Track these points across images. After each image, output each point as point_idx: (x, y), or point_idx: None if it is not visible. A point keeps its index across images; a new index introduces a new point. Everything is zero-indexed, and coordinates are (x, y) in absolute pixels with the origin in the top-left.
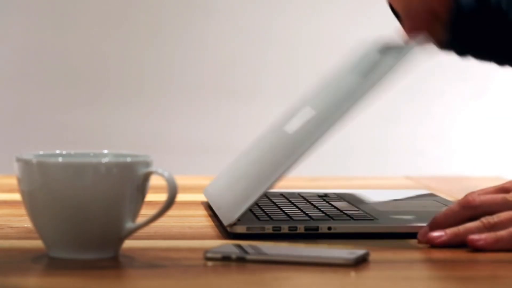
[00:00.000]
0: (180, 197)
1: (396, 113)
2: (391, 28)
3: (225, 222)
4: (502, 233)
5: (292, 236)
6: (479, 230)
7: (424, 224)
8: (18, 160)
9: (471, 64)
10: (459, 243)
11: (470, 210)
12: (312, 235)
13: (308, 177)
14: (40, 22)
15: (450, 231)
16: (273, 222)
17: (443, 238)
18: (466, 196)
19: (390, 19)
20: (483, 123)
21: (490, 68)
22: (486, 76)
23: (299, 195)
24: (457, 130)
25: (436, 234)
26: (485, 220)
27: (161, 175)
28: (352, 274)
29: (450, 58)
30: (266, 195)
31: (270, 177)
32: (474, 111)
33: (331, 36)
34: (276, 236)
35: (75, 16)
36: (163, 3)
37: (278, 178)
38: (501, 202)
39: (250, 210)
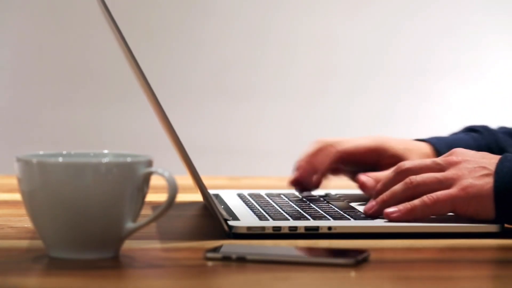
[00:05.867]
0: (180, 197)
1: (393, 112)
2: (386, 27)
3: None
4: (415, 202)
5: (292, 236)
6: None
7: (423, 224)
8: (18, 160)
9: (468, 64)
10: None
11: (412, 189)
12: (312, 235)
13: None
14: (40, 22)
15: (404, 208)
16: (273, 222)
17: (396, 214)
18: (407, 174)
19: (385, 18)
20: (480, 122)
21: (486, 67)
22: (485, 76)
23: (299, 195)
24: (452, 129)
25: (391, 210)
26: (426, 197)
27: (161, 175)
28: (352, 274)
29: (444, 58)
30: (266, 195)
31: None
32: (471, 110)
33: (326, 36)
34: (276, 236)
35: (75, 15)
36: (160, 3)
37: None
38: (439, 181)
39: (250, 210)
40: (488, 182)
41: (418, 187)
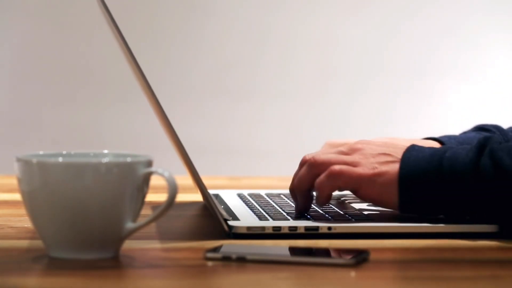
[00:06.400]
0: (180, 197)
1: (393, 112)
2: (386, 27)
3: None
4: (321, 177)
5: (292, 236)
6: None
7: (423, 224)
8: (18, 160)
9: (468, 64)
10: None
11: (317, 167)
12: (312, 235)
13: None
14: (40, 22)
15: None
16: (273, 222)
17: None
18: (310, 158)
19: (385, 19)
20: (479, 122)
21: (486, 67)
22: (485, 76)
23: None
24: (452, 129)
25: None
26: (332, 168)
27: (161, 175)
28: (352, 274)
29: (444, 58)
30: (266, 195)
31: None
32: (471, 109)
33: (326, 36)
34: (276, 236)
35: (75, 15)
36: (160, 3)
37: None
38: (344, 161)
39: (250, 210)
40: (393, 168)
41: (322, 166)
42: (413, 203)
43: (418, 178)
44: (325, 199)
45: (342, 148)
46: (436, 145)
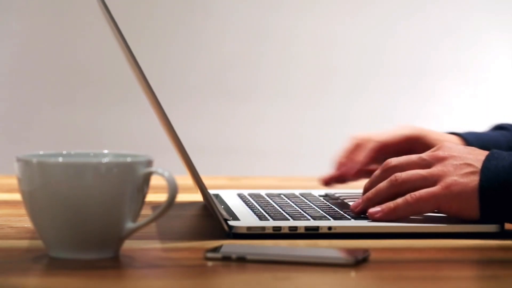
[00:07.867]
0: (180, 197)
1: (393, 112)
2: (386, 27)
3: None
4: (398, 201)
5: (292, 236)
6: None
7: (423, 224)
8: (18, 160)
9: (468, 63)
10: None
11: (397, 187)
12: (312, 235)
13: (309, 177)
14: (40, 23)
15: (386, 207)
16: (273, 222)
17: (379, 214)
18: (393, 171)
19: (385, 18)
20: (479, 121)
21: (486, 66)
22: (485, 76)
23: (299, 195)
24: (452, 129)
25: (374, 210)
26: (409, 196)
27: (161, 175)
28: (352, 274)
29: (444, 58)
30: (266, 195)
31: None
32: (471, 109)
33: (326, 36)
34: (276, 236)
35: (75, 16)
36: (160, 3)
37: None
38: (423, 178)
39: (250, 210)
40: (473, 180)
41: (403, 185)
42: (494, 213)
43: (498, 189)
44: (389, 218)
45: (426, 157)
46: (458, 141)
